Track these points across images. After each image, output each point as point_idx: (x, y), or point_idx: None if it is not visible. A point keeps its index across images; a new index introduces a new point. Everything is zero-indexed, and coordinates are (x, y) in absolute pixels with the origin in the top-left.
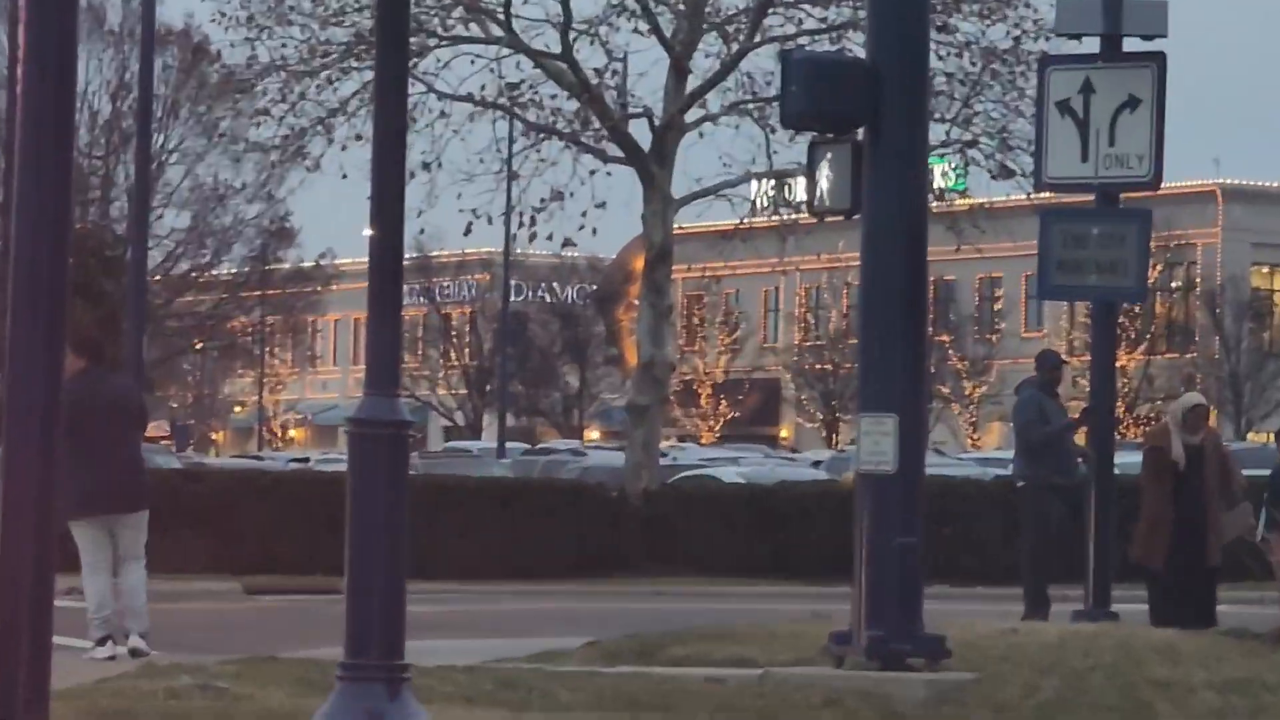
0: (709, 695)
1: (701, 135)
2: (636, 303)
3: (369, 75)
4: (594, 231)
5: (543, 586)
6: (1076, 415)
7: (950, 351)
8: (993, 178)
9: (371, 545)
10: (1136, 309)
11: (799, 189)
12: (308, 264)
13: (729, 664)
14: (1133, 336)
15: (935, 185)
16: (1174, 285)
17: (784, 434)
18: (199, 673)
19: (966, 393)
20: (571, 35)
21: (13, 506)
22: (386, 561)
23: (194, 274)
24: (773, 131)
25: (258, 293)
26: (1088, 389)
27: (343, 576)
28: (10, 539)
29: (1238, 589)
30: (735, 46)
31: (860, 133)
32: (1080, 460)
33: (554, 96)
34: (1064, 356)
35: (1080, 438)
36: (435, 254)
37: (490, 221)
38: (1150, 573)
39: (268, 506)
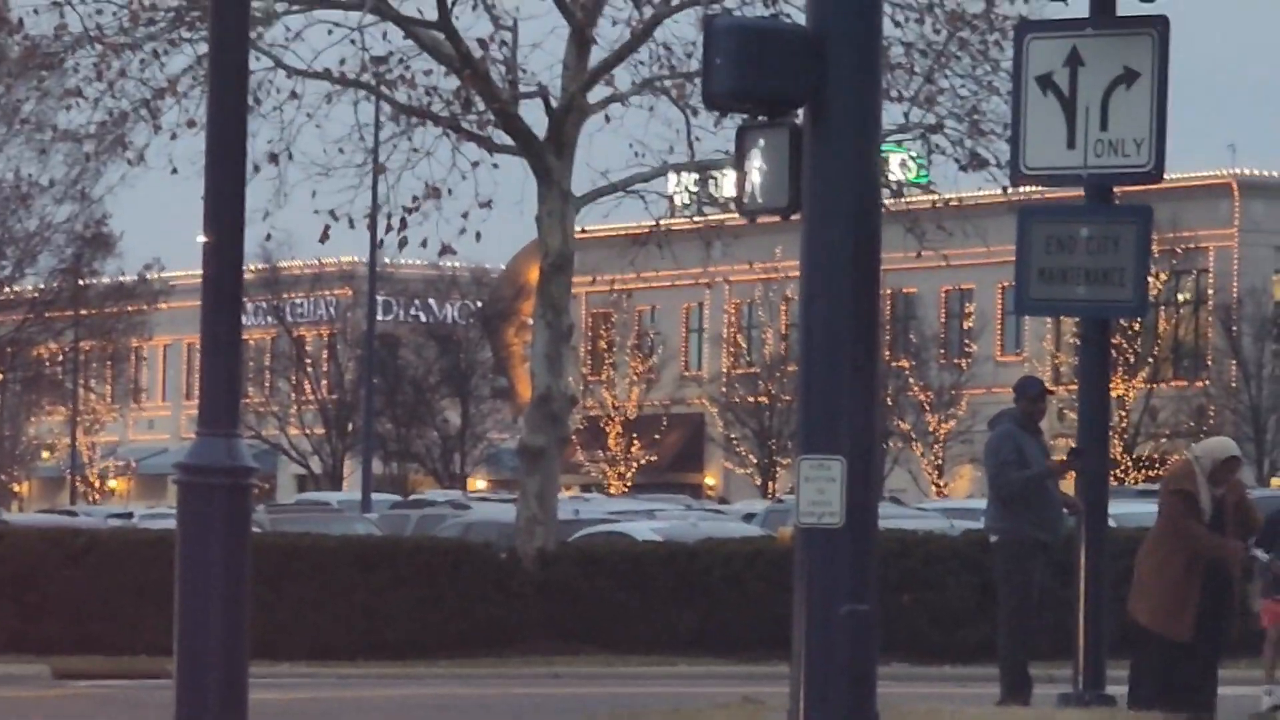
0: None
1: (608, 119)
2: (530, 322)
3: (203, 48)
4: (478, 236)
5: (416, 669)
6: (1062, 457)
7: (911, 380)
8: (961, 168)
9: (205, 618)
10: (1136, 326)
11: (727, 184)
12: (130, 278)
13: None
14: (1132, 361)
15: (892, 178)
16: (1181, 298)
17: (710, 481)
18: None
19: (930, 429)
20: None
21: None
22: (224, 638)
23: None
24: (694, 114)
25: (69, 313)
26: (1076, 424)
27: (171, 657)
28: None
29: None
30: (648, 11)
31: (800, 115)
32: (1067, 511)
33: (429, 73)
34: (1048, 385)
35: (1068, 484)
36: (285, 265)
37: (352, 225)
38: (1159, 644)
39: (81, 573)
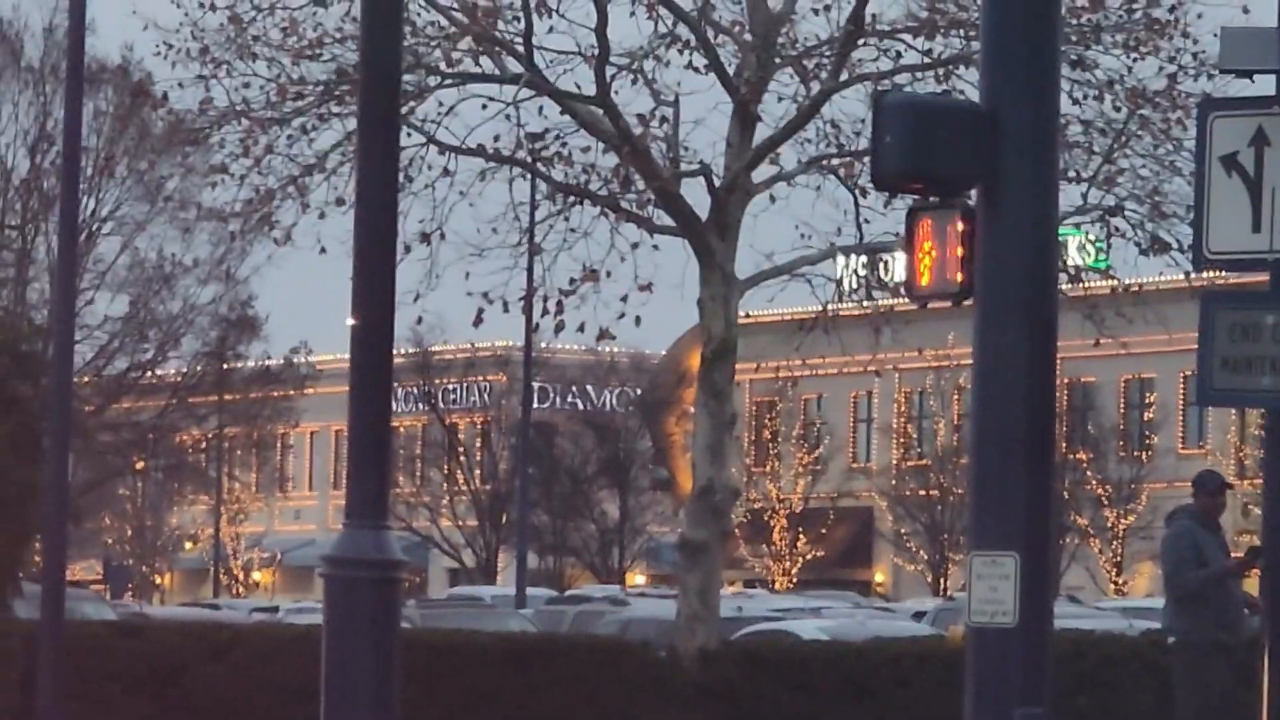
0: None
1: (774, 199)
2: (691, 411)
3: (353, 123)
4: (637, 320)
5: None
6: (1241, 555)
7: (1089, 473)
8: (1142, 252)
9: (354, 718)
10: None
11: (897, 267)
12: (276, 362)
13: None
14: None
15: (1069, 263)
16: None
17: (878, 578)
18: None
19: (1109, 525)
20: (609, 72)
21: None
22: None
23: (133, 374)
24: (864, 195)
25: (213, 398)
26: (1261, 520)
27: None
28: None
29: None
30: (816, 86)
31: (973, 196)
32: (1249, 611)
33: (586, 150)
34: (1230, 479)
35: (1251, 583)
36: (438, 349)
37: (507, 308)
38: None
39: (225, 670)
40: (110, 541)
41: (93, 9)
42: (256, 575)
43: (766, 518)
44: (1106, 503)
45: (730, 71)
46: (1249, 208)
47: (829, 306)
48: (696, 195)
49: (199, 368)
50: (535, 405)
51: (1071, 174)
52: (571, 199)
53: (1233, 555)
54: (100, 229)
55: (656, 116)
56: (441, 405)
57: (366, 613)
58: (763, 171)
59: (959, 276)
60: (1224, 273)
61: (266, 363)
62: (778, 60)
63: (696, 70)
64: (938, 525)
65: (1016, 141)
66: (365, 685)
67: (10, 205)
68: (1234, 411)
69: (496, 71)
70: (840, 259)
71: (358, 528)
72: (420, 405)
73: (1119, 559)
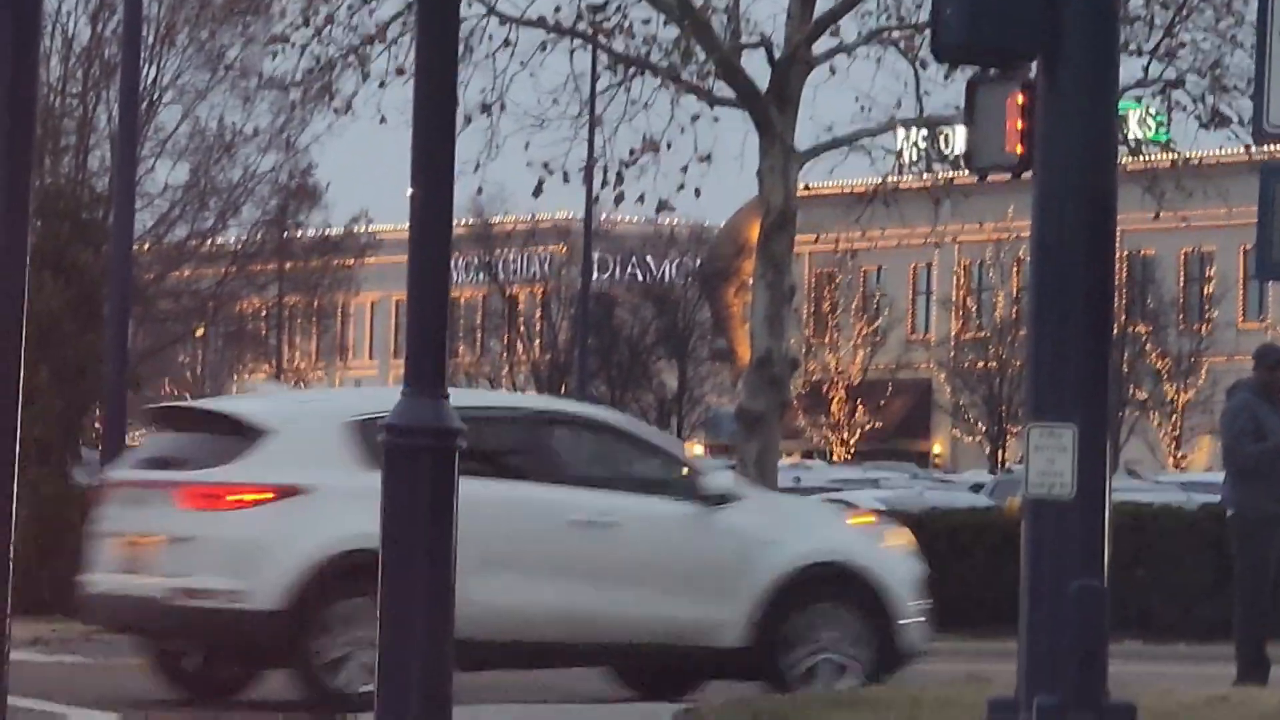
0: None
1: (833, 71)
2: (750, 282)
3: None
4: (697, 192)
5: None
6: None
7: (1148, 346)
8: (1202, 126)
9: (411, 582)
10: None
11: (957, 139)
12: (336, 231)
13: None
14: None
15: (1129, 136)
16: None
17: (936, 450)
18: None
19: (1168, 398)
20: None
21: None
22: (430, 601)
23: (193, 242)
24: (924, 67)
25: (273, 266)
26: None
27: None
28: None
29: None
30: None
31: (1033, 68)
32: None
33: (647, 21)
34: None
35: None
36: (498, 220)
37: (567, 179)
38: None
39: None
40: None
41: None
42: None
43: (825, 389)
44: (1166, 376)
45: None
46: None
47: (888, 179)
48: (757, 67)
49: (259, 236)
50: (595, 276)
51: (1132, 47)
52: (632, 71)
53: None
54: (161, 97)
55: None
56: (502, 276)
57: (425, 481)
58: (823, 43)
59: (1018, 148)
60: None
61: (326, 231)
62: None
63: None
64: (996, 397)
65: (1077, 13)
66: (424, 553)
67: (71, 73)
68: None
69: None
70: (900, 131)
71: (416, 397)
72: (481, 276)
73: (1178, 433)
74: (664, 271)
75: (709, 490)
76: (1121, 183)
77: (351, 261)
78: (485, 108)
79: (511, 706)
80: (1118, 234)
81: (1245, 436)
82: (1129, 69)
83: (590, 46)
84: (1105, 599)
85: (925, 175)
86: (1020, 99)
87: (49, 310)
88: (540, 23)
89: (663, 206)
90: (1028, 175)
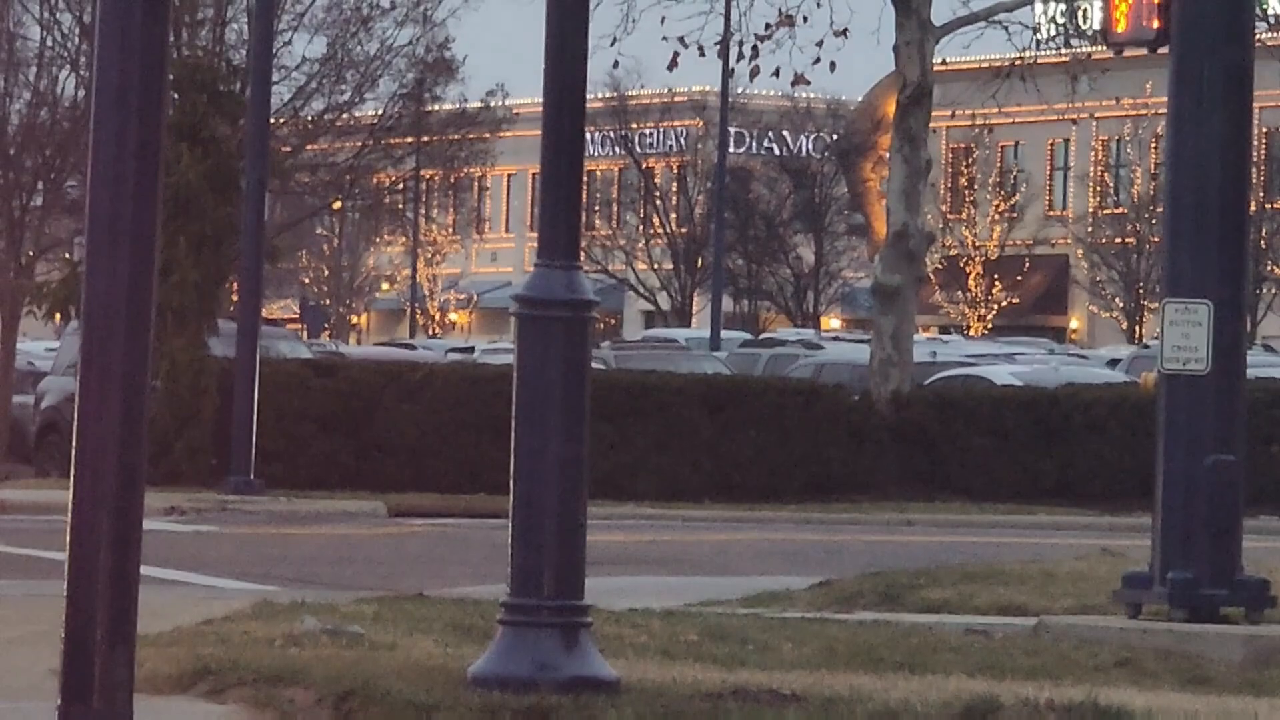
0: (970, 651)
1: None
2: (887, 157)
3: None
4: (833, 66)
5: (764, 513)
6: None
7: None
8: None
9: (544, 456)
10: None
11: (1095, 14)
12: (473, 104)
13: (995, 611)
14: None
15: (1269, 10)
16: None
17: (1073, 325)
18: (327, 614)
19: None
20: None
21: (92, 399)
22: (563, 478)
23: (330, 115)
24: None
25: (410, 140)
26: None
27: (508, 496)
28: (87, 445)
29: None
30: None
31: None
32: None
33: None
34: None
35: None
36: (634, 94)
37: (703, 53)
38: None
39: (419, 409)
40: (307, 281)
41: None
42: (453, 316)
43: (962, 264)
44: None
45: None
46: None
47: (1026, 54)
48: None
49: (396, 109)
50: (731, 150)
51: None
52: None
53: None
54: None
55: None
56: (638, 149)
57: (558, 352)
58: None
59: (1155, 23)
60: None
61: (463, 105)
62: None
63: None
64: (1133, 273)
65: None
66: (557, 423)
67: None
68: None
69: None
70: (1038, 5)
71: (549, 268)
72: (617, 149)
73: None
74: (800, 146)
75: None
76: (1260, 57)
77: (488, 135)
78: None
79: (643, 578)
80: (1256, 109)
81: None
82: None
83: None
84: (1240, 474)
85: (1062, 50)
86: None
87: (186, 182)
88: None
89: (798, 80)
90: (1165, 50)
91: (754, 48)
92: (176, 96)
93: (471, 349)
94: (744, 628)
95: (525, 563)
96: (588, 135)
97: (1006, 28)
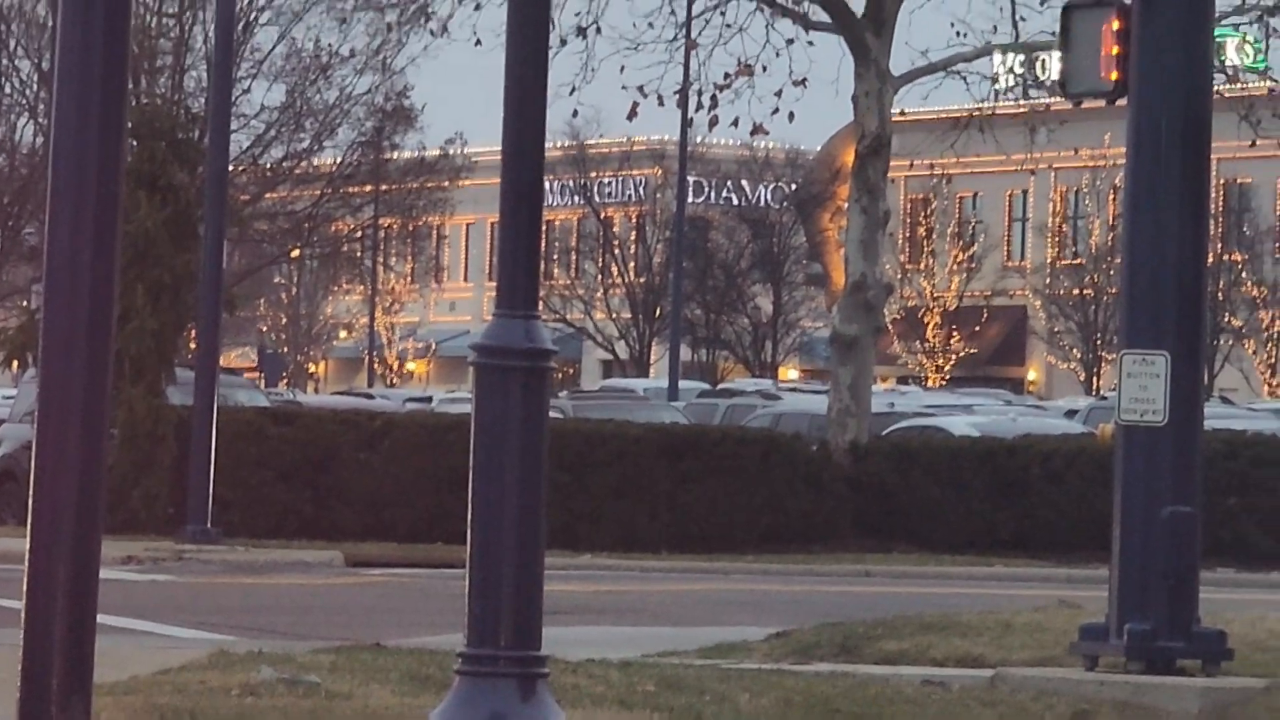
0: (927, 702)
1: None
2: (845, 207)
3: None
4: (791, 116)
5: (721, 563)
6: None
7: (1244, 274)
8: None
9: (501, 506)
10: None
11: (1053, 65)
12: (432, 153)
13: (953, 663)
14: None
15: (1226, 63)
16: None
17: (1031, 376)
18: (285, 664)
19: (1264, 326)
20: None
21: (49, 447)
22: (520, 527)
23: (289, 163)
24: None
25: (368, 188)
26: None
27: (465, 546)
28: (44, 493)
29: None
30: None
31: None
32: None
33: None
34: None
35: None
36: (593, 143)
37: (662, 102)
38: None
39: (377, 458)
40: (265, 329)
41: None
42: (411, 365)
43: (920, 314)
44: (1261, 304)
45: None
46: None
47: (984, 105)
48: None
49: (354, 157)
50: (690, 199)
51: None
52: None
53: None
54: (257, 18)
55: None
56: (597, 198)
57: (516, 402)
58: None
59: (1114, 75)
60: None
61: (422, 153)
62: None
63: None
64: (1091, 324)
65: None
66: (514, 473)
67: None
68: None
69: None
70: (996, 56)
71: (508, 317)
72: (576, 198)
73: (1273, 360)
74: (759, 195)
75: None
76: (1218, 110)
77: (447, 184)
78: (581, 30)
79: (599, 628)
80: (1213, 162)
81: None
82: None
83: None
84: (1197, 525)
85: (1021, 101)
86: (1116, 24)
87: (145, 229)
88: None
89: (757, 130)
90: (1123, 101)
91: (713, 97)
92: (135, 144)
93: (429, 398)
94: (701, 678)
95: (483, 612)
96: (546, 184)
97: (965, 78)
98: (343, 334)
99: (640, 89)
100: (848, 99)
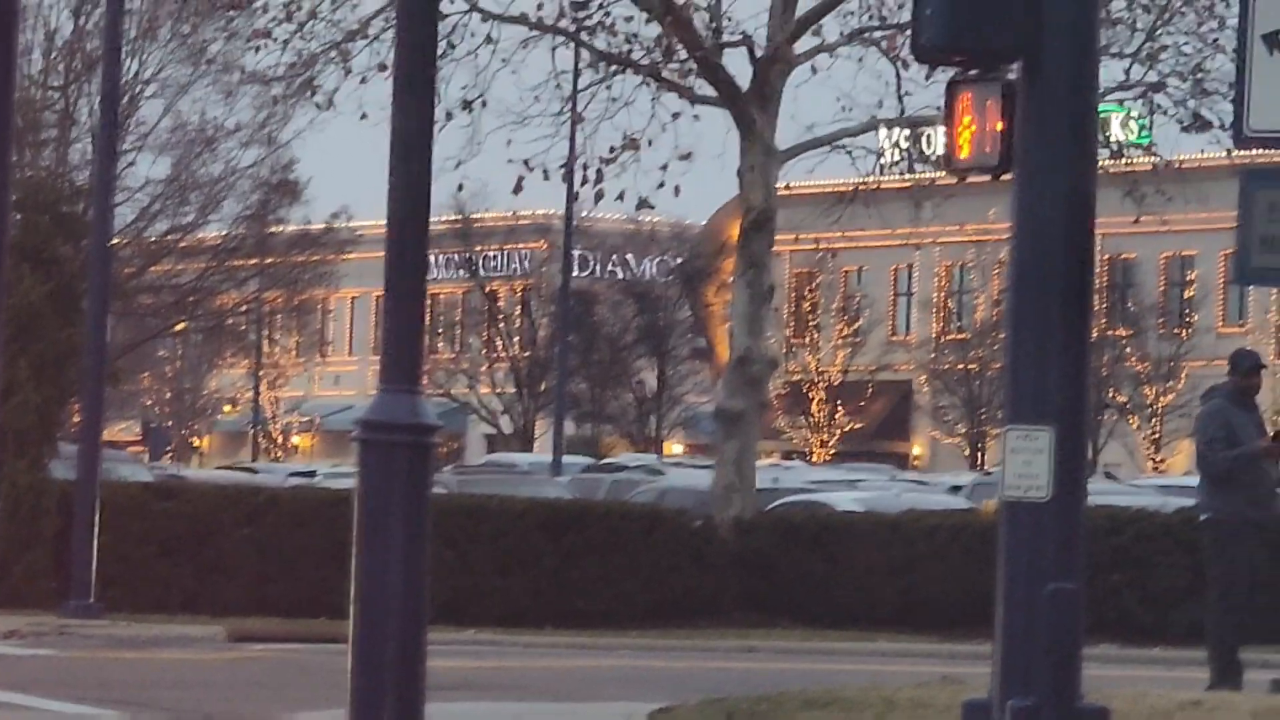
0: None
1: (815, 71)
2: (730, 281)
3: None
4: (677, 190)
5: (606, 639)
6: (1272, 436)
7: (1128, 350)
8: (1184, 129)
9: (385, 581)
10: None
11: (938, 140)
12: (317, 226)
13: None
14: None
15: (1111, 138)
16: None
17: (916, 451)
18: None
19: (1148, 402)
20: None
21: None
22: (403, 602)
23: (174, 237)
24: (905, 67)
25: (253, 261)
26: None
27: (349, 621)
28: None
29: None
30: None
31: (1014, 69)
32: None
33: (629, 19)
34: (1272, 358)
35: None
36: (479, 217)
37: (547, 176)
38: None
39: (260, 532)
40: (149, 403)
41: None
42: (295, 439)
43: (805, 389)
44: (1146, 380)
45: None
46: None
47: (869, 179)
48: (738, 66)
49: (240, 231)
50: (575, 273)
51: (1114, 50)
52: (613, 68)
53: (1267, 436)
54: (143, 91)
55: None
56: (482, 272)
57: (400, 477)
58: (805, 42)
59: (998, 149)
60: (1265, 151)
61: (307, 227)
62: None
63: None
64: (976, 399)
65: (1058, 16)
66: (397, 549)
67: (53, 66)
68: (1276, 291)
69: None
70: (881, 131)
71: (392, 392)
72: (461, 272)
73: (1157, 436)
74: (644, 269)
75: None
76: (1102, 186)
77: (332, 257)
78: (467, 104)
79: (482, 704)
80: (1098, 237)
81: (1217, 443)
82: (1111, 72)
83: (572, 44)
84: (1080, 602)
85: (906, 176)
86: (1000, 101)
87: (28, 303)
88: (522, 20)
89: (643, 204)
90: (1008, 177)
91: (598, 171)
92: (19, 216)
93: (314, 472)
94: None
95: (366, 688)
96: (432, 258)
97: (850, 153)
98: (227, 408)
99: (526, 163)
100: (733, 173)
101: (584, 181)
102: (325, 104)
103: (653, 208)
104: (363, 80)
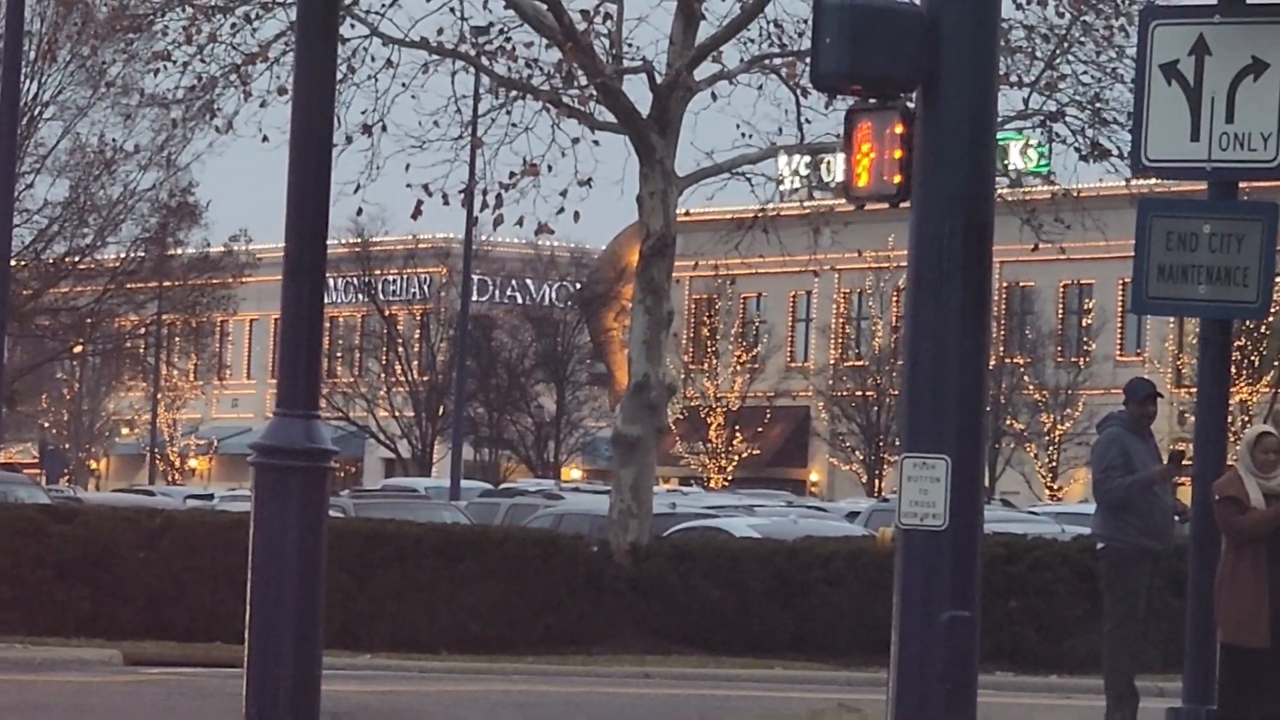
0: None
1: (715, 98)
2: (629, 306)
3: (296, 13)
4: (576, 216)
5: (501, 664)
6: (1169, 456)
7: (1026, 378)
8: (1082, 158)
9: (279, 606)
10: (1262, 328)
11: (838, 168)
12: (216, 250)
13: None
14: (1256, 364)
15: (1009, 167)
16: None
17: (813, 478)
18: None
19: (1045, 430)
20: None
21: None
22: (298, 626)
23: (72, 259)
24: (805, 95)
25: (152, 284)
26: (1194, 429)
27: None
28: None
29: None
30: None
31: (913, 98)
32: (1178, 518)
33: (530, 45)
34: (1168, 387)
35: (1185, 490)
36: (378, 241)
37: (447, 201)
38: (1239, 655)
39: (157, 556)
40: (46, 426)
41: None
42: (193, 462)
43: (703, 415)
44: (1043, 408)
45: None
46: (1188, 116)
47: (769, 206)
48: (638, 92)
49: (138, 253)
50: (474, 298)
51: (1013, 79)
52: (514, 93)
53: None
54: (41, 113)
55: (600, 13)
56: (381, 296)
57: (296, 501)
58: (705, 69)
59: (897, 178)
60: (1162, 181)
61: (206, 250)
62: None
63: None
64: (874, 426)
65: (957, 45)
66: (293, 573)
67: None
68: (1172, 319)
69: None
70: (781, 158)
71: (288, 416)
72: (360, 296)
73: (1054, 464)
74: (543, 294)
75: None
76: (1000, 214)
77: (230, 280)
78: (366, 128)
79: None
80: (996, 265)
81: (1113, 471)
82: (1010, 101)
83: (472, 69)
84: (976, 630)
85: (805, 203)
86: (899, 129)
87: None
88: (423, 44)
89: (542, 229)
90: (906, 204)
91: (498, 196)
92: None
93: (211, 496)
94: None
95: (260, 712)
96: (330, 282)
97: (750, 179)
98: (125, 430)
99: (425, 187)
100: (633, 199)
101: (483, 206)
102: (225, 127)
103: (552, 233)
104: (263, 104)
